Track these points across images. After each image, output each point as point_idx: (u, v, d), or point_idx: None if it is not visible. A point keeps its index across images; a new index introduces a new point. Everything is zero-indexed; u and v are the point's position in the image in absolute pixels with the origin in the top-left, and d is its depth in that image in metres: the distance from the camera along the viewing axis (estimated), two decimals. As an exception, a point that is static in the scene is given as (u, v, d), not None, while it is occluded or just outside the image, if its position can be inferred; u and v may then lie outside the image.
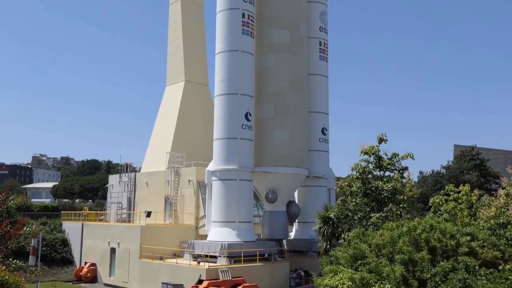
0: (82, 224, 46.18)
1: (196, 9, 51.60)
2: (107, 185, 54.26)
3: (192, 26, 50.81)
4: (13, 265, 18.47)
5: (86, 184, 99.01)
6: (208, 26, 53.05)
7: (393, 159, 28.03)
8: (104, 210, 52.79)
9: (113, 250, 40.67)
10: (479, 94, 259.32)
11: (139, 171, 49.86)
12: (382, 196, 26.60)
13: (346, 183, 27.77)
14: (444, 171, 69.00)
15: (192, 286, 30.61)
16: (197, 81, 49.96)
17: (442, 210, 27.13)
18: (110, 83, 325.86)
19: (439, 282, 16.35)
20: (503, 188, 24.83)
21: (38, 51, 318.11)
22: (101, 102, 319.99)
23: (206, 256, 33.16)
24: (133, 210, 46.22)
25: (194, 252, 34.31)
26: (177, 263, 33.80)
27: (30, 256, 34.33)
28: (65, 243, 47.37)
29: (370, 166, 27.70)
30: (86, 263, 43.81)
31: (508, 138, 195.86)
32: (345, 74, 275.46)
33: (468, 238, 18.15)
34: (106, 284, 41.07)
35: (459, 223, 23.20)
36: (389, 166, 27.92)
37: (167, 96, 50.39)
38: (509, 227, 22.12)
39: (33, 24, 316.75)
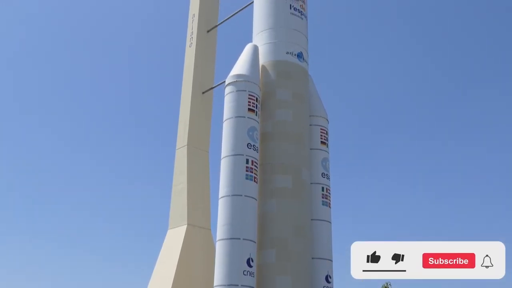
0: None
1: (202, 154, 52.84)
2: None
3: (196, 170, 51.64)
4: None
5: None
6: (212, 168, 54.13)
7: (401, 310, 26.83)
8: None
9: None
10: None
11: (135, 319, 47.64)
12: None
13: (353, 337, 26.26)
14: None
15: None
16: (200, 225, 49.60)
17: None
18: (109, 227, 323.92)
19: None
20: None
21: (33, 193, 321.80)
22: (99, 246, 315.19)
23: None
24: None
25: None
26: None
27: None
28: None
29: (378, 318, 26.43)
30: None
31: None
32: (348, 220, 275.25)
33: None
34: None
35: None
36: (397, 318, 26.63)
37: (168, 239, 49.78)
38: None
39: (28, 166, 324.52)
